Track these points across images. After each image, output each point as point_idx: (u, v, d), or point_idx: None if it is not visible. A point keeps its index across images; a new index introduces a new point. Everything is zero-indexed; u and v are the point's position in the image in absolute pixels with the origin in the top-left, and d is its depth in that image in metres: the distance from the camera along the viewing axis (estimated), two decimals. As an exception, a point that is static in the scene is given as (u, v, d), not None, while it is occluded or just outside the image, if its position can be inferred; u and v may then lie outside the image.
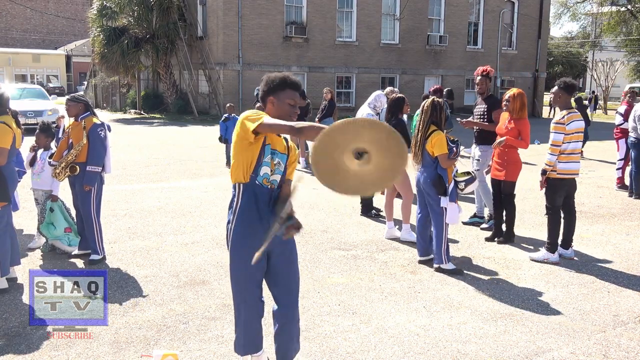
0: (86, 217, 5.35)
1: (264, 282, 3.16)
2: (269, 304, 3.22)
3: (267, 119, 2.76)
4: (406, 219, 6.29)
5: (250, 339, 3.18)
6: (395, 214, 6.66)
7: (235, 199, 3.00)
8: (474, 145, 6.95)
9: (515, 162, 6.03)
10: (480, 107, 6.76)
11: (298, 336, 3.24)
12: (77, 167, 5.24)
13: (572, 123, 5.36)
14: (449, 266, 5.27)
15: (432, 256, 5.46)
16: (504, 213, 6.23)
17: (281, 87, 2.92)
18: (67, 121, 5.62)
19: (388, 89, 8.46)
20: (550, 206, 5.56)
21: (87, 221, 5.34)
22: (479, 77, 6.66)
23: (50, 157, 5.49)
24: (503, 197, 6.15)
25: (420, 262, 5.49)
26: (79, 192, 5.35)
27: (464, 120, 6.91)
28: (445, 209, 5.22)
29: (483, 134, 6.73)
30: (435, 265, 5.32)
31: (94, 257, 5.39)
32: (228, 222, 3.06)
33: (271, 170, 2.96)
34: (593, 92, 33.50)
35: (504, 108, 6.08)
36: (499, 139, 6.03)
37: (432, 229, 5.42)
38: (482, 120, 6.71)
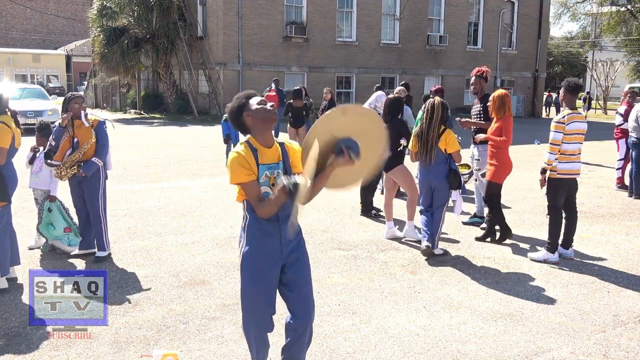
0: (94, 214, 5.34)
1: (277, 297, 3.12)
2: (281, 315, 3.20)
3: (246, 186, 2.84)
4: (411, 216, 6.30)
5: (261, 355, 3.17)
6: (395, 214, 6.66)
7: (245, 216, 3.00)
8: (472, 146, 6.97)
9: (503, 164, 5.97)
10: (477, 107, 6.80)
11: (307, 348, 3.21)
12: None
13: (572, 123, 5.37)
14: (439, 251, 5.72)
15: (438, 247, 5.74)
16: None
17: (243, 102, 2.92)
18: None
19: (399, 87, 8.46)
20: (552, 206, 5.56)
21: (96, 217, 5.34)
22: (473, 78, 6.71)
23: (46, 157, 5.44)
24: (486, 197, 6.11)
25: (425, 248, 5.56)
26: (86, 190, 5.33)
27: (463, 120, 6.93)
28: (455, 201, 5.66)
29: (480, 134, 6.74)
30: (429, 246, 5.62)
31: (100, 254, 5.40)
32: (240, 240, 3.04)
33: (271, 185, 2.91)
34: (587, 92, 33.46)
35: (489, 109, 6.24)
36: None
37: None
38: (478, 119, 6.73)
